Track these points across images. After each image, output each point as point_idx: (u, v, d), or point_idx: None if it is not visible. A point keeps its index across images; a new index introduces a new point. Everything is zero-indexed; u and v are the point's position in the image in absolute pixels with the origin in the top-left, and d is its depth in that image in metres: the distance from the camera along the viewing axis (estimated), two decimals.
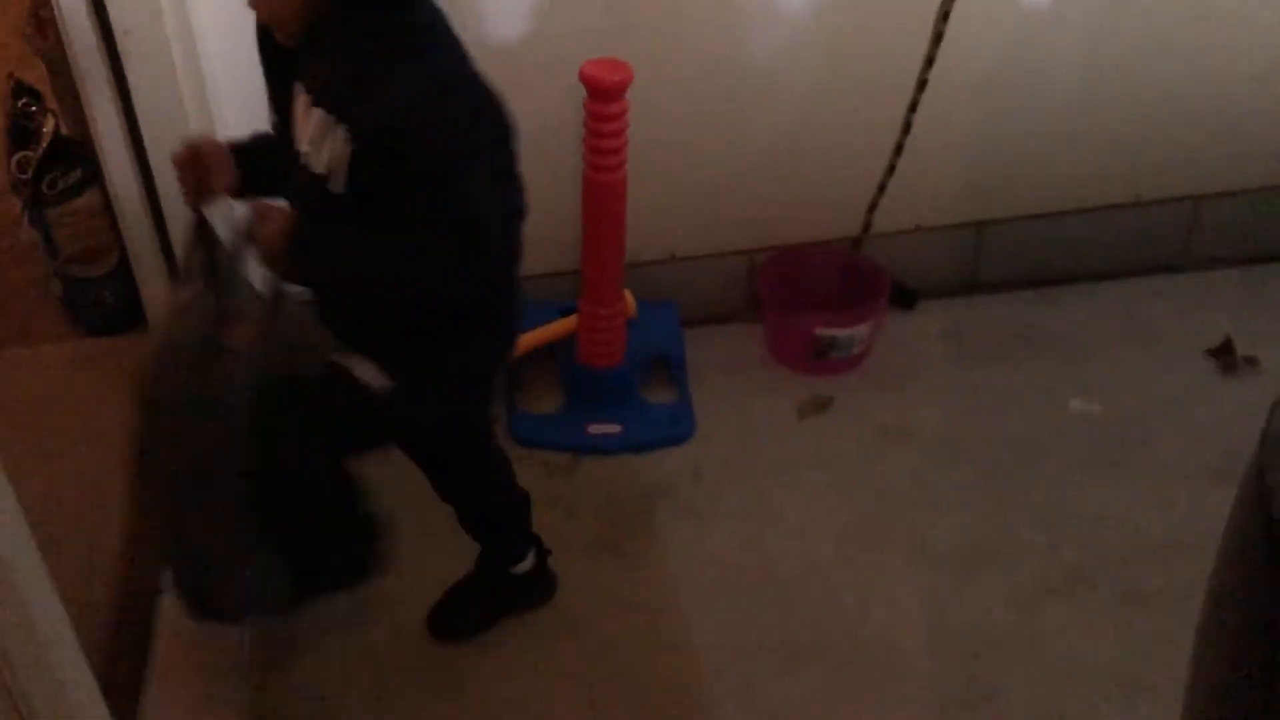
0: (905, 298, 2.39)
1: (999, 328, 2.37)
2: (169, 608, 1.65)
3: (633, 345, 2.13)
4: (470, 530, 1.75)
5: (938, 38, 2.07)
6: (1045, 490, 2.05)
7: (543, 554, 1.82)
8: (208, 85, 1.83)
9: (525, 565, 1.79)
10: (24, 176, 2.07)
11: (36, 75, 2.24)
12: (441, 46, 1.31)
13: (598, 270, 1.98)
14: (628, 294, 2.10)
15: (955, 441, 2.15)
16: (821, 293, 2.30)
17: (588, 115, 1.80)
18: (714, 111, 2.11)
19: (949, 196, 2.34)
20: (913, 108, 2.17)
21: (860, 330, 2.22)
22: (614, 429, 2.10)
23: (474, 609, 1.81)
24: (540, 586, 1.84)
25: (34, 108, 2.15)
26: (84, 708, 1.06)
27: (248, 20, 1.78)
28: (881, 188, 2.26)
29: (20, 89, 2.21)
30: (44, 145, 2.06)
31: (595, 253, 1.96)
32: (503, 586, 1.80)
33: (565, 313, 2.14)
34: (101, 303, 2.14)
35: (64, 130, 2.11)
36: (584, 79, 1.76)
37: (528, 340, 2.13)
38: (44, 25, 2.04)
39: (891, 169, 2.24)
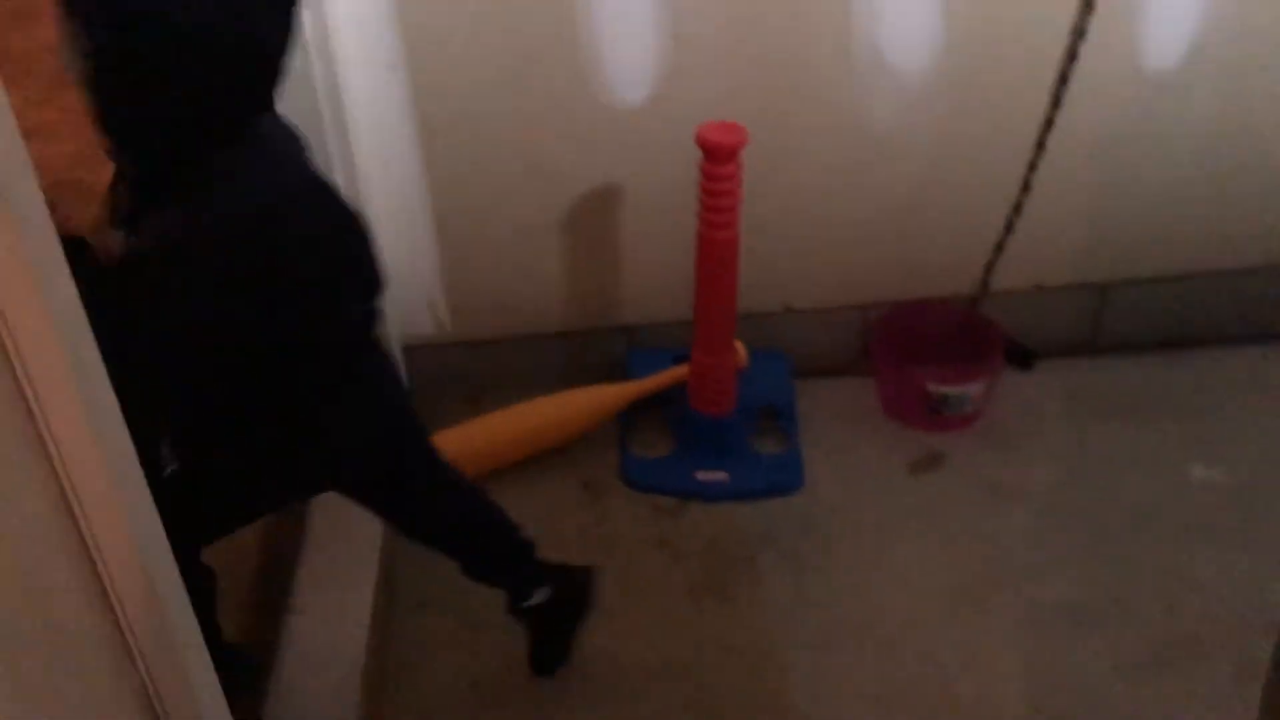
0: (1023, 357, 2.38)
1: (1120, 390, 2.34)
2: (290, 629, 1.77)
3: (743, 394, 2.19)
4: (465, 573, 1.76)
5: (1056, 101, 2.09)
6: (1161, 556, 2.01)
7: (558, 575, 1.80)
8: (354, 143, 1.98)
9: (538, 598, 1.77)
10: None
11: None
12: (229, 184, 1.28)
13: (709, 321, 2.05)
14: (739, 344, 2.16)
15: (1069, 503, 2.12)
16: (936, 349, 2.31)
17: (702, 175, 1.88)
18: (831, 169, 2.16)
19: (1070, 256, 2.33)
20: (1032, 168, 2.18)
21: (973, 387, 2.22)
22: (722, 476, 2.15)
23: (539, 645, 1.84)
24: (572, 605, 1.82)
25: None
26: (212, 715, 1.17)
27: (390, 85, 1.93)
28: (999, 247, 2.27)
29: None
30: None
31: (707, 304, 2.03)
32: (536, 619, 1.80)
33: (679, 360, 2.21)
34: None
35: None
36: (699, 141, 1.84)
37: (642, 386, 2.21)
38: None
39: (1010, 228, 2.25)
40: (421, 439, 1.66)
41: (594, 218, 2.17)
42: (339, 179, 1.92)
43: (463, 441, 2.14)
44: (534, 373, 2.31)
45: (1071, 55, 2.05)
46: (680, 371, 2.20)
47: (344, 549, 1.88)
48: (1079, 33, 2.03)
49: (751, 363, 2.23)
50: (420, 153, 2.05)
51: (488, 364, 2.32)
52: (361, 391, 1.52)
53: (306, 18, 1.76)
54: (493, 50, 1.95)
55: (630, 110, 2.03)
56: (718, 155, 1.84)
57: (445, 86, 1.99)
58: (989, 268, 2.30)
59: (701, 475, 2.16)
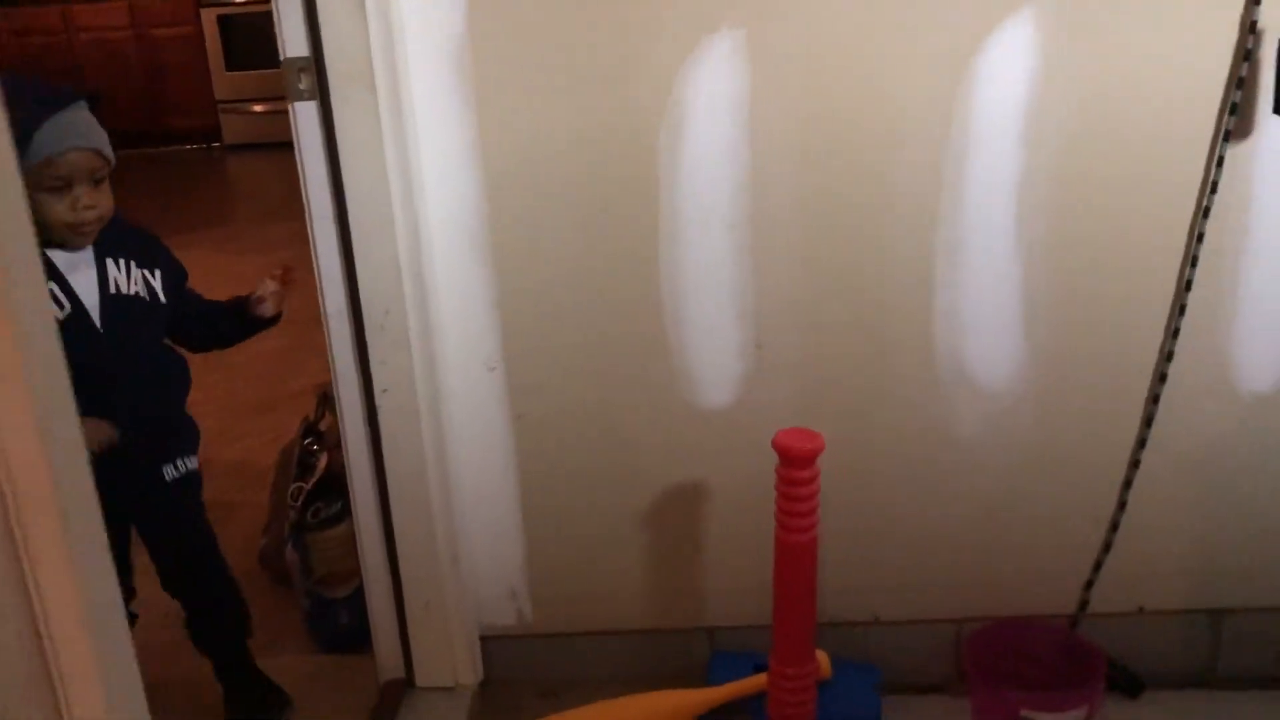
0: (1129, 684, 2.23)
1: None
2: None
3: (825, 708, 2.09)
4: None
5: (1148, 420, 2.07)
6: None
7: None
8: (448, 437, 2.08)
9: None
10: (295, 504, 2.38)
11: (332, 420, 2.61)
12: None
13: (787, 627, 2.00)
14: (821, 654, 2.09)
15: None
16: (1034, 670, 2.19)
17: (779, 479, 1.90)
18: (914, 478, 2.15)
19: (1176, 579, 2.22)
20: (1127, 484, 2.13)
21: (1073, 715, 2.07)
22: None
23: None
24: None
25: (316, 446, 2.49)
26: None
27: (487, 383, 2.05)
28: (1098, 565, 2.19)
29: (310, 430, 2.58)
30: (315, 479, 2.37)
31: (785, 609, 1.99)
32: None
33: (761, 668, 2.14)
34: (338, 622, 2.35)
35: (335, 468, 2.43)
36: (776, 446, 1.87)
37: (720, 693, 2.14)
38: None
39: (1108, 547, 2.18)
40: None
41: (676, 516, 2.20)
42: (431, 468, 2.02)
43: None
44: (613, 670, 2.27)
45: (1161, 377, 2.05)
46: (759, 680, 2.12)
47: None
48: (1167, 355, 2.03)
49: (836, 675, 2.16)
50: (512, 445, 2.14)
51: (567, 659, 2.29)
52: None
53: (412, 322, 1.92)
54: (583, 353, 2.06)
55: (714, 412, 2.10)
56: (793, 461, 1.86)
57: (539, 386, 2.10)
58: (1088, 586, 2.21)
59: None
